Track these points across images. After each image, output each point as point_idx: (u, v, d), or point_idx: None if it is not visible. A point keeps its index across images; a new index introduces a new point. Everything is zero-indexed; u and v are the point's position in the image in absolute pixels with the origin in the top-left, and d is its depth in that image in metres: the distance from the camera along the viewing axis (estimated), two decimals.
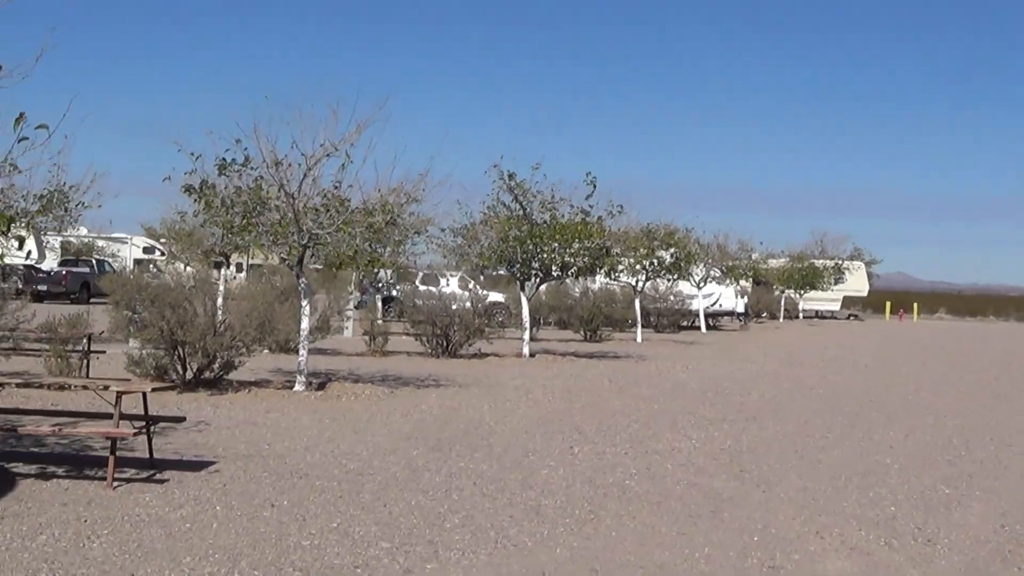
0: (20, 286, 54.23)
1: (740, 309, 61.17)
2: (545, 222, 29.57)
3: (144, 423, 11.85)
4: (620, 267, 39.58)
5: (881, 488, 12.61)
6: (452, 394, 20.61)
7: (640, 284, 43.56)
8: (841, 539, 10.05)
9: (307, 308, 20.04)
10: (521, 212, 29.60)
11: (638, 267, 42.47)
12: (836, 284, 74.52)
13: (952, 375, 31.37)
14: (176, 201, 33.20)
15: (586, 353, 33.62)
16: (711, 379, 26.34)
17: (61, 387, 11.97)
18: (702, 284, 53.03)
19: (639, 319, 43.31)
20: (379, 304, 45.79)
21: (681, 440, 15.89)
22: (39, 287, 51.90)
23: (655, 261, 42.48)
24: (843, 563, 9.25)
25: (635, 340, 41.50)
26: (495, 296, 43.16)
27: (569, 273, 31.85)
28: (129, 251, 67.26)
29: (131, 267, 55.79)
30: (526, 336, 30.95)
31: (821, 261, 73.07)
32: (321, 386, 20.11)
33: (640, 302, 43.84)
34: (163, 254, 59.40)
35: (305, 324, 19.98)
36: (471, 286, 41.40)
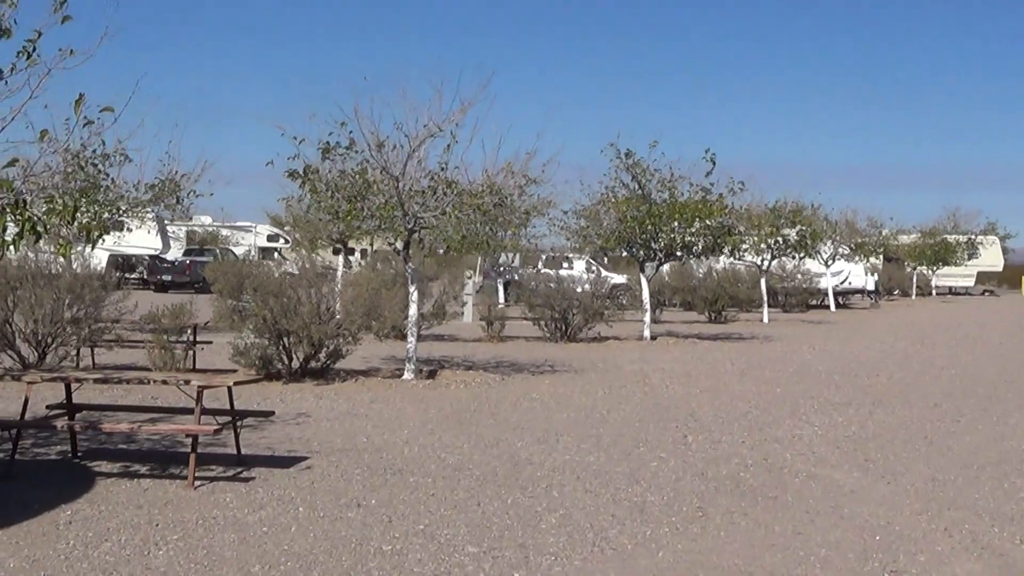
0: (145, 276, 54.85)
1: (870, 287, 59.69)
2: (664, 201, 28.77)
3: (230, 418, 11.34)
4: (744, 246, 38.55)
5: (1017, 478, 11.67)
6: (566, 380, 19.92)
7: (765, 263, 42.47)
8: (972, 537, 9.16)
9: (414, 294, 19.47)
10: (639, 191, 28.83)
11: (763, 246, 41.39)
12: (969, 259, 72.24)
13: None
14: (284, 187, 32.97)
15: (710, 335, 32.74)
16: (838, 360, 25.31)
17: (141, 381, 11.43)
18: (830, 262, 51.77)
19: (765, 299, 42.26)
20: (500, 288, 45.30)
21: (803, 427, 15.03)
22: (163, 277, 52.19)
23: (780, 239, 41.32)
24: (973, 565, 8.39)
25: (761, 320, 40.49)
26: (618, 278, 42.42)
27: (691, 253, 30.98)
28: (254, 239, 67.47)
29: (256, 255, 55.88)
30: (647, 318, 30.19)
31: (953, 236, 70.85)
32: (431, 374, 19.56)
33: (766, 281, 42.78)
34: (287, 242, 59.50)
35: (413, 310, 19.42)
36: (593, 268, 40.75)
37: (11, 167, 8.72)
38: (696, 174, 28.90)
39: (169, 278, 52.02)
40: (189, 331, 20.23)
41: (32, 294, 18.43)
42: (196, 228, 67.29)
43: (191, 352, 19.75)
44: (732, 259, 40.52)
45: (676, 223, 28.70)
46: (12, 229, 8.52)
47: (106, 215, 26.10)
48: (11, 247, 8.52)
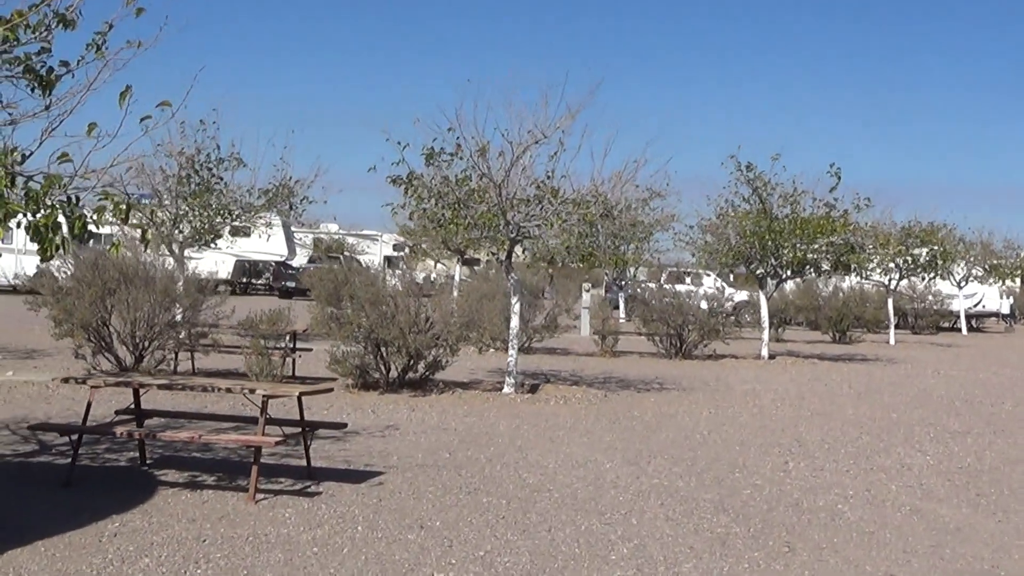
0: (271, 283, 55.18)
1: (1005, 310, 57.88)
2: (786, 216, 27.93)
3: (299, 430, 10.90)
4: (871, 265, 37.40)
5: None
6: (672, 399, 19.24)
7: (893, 283, 41.24)
8: None
9: (516, 305, 18.94)
10: (760, 205, 28.02)
11: (891, 265, 40.19)
12: None
13: None
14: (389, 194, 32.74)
15: (832, 355, 31.73)
16: (962, 385, 24.24)
17: (205, 388, 11.04)
18: (963, 283, 50.25)
19: (892, 320, 41.02)
20: (621, 303, 44.74)
21: (914, 456, 14.18)
22: (287, 284, 52.37)
23: (909, 259, 40.08)
24: None
25: (887, 342, 39.30)
26: (741, 295, 41.53)
27: (813, 271, 30.09)
28: (380, 248, 67.60)
29: (381, 264, 55.90)
30: (765, 337, 29.34)
31: None
32: (533, 388, 19.03)
33: (894, 302, 41.53)
34: (408, 250, 59.43)
35: (515, 322, 18.90)
36: (716, 284, 39.96)
37: (65, 162, 8.34)
38: (820, 189, 28.05)
39: (293, 284, 52.18)
40: (288, 337, 19.90)
41: (129, 296, 18.25)
42: (323, 236, 67.64)
43: (289, 359, 19.40)
44: (859, 278, 39.41)
45: (797, 239, 27.85)
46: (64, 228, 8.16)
47: (218, 219, 26.08)
48: (60, 247, 8.15)
